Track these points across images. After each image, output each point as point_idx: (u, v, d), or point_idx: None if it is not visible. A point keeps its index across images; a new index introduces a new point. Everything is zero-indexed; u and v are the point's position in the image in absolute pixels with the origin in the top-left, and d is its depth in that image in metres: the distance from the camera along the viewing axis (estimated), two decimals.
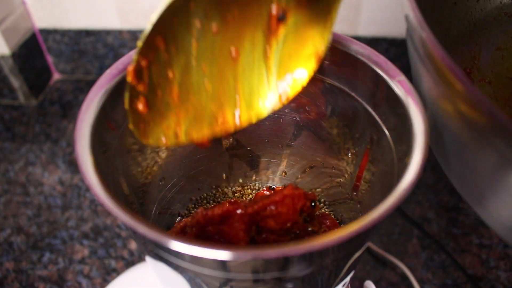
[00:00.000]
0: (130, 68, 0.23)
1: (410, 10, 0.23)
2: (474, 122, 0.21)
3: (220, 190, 0.38)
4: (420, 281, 0.46)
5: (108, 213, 0.53)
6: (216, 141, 0.36)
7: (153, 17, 0.22)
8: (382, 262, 0.47)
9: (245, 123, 0.28)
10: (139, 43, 0.23)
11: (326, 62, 0.30)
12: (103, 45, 0.69)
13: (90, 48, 0.70)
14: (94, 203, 0.54)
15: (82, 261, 0.48)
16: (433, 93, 0.24)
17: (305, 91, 0.32)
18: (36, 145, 0.62)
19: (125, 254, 0.49)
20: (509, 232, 0.23)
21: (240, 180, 0.38)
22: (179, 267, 0.23)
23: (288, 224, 0.28)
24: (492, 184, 0.22)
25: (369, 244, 0.48)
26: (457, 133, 0.23)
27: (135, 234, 0.24)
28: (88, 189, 0.55)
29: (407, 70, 0.67)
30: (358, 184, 0.32)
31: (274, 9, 0.25)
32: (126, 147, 0.29)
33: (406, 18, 0.24)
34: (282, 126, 0.35)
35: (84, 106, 0.25)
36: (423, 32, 0.21)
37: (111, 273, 0.47)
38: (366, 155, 0.31)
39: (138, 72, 0.23)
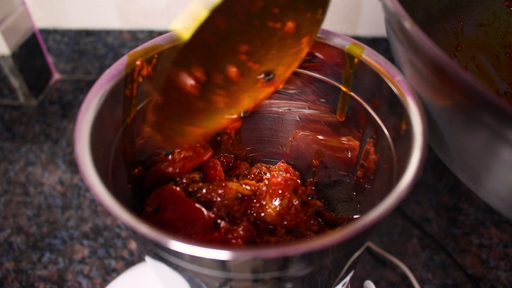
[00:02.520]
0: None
1: None
2: (461, 101, 0.21)
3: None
4: (420, 281, 0.46)
5: (108, 213, 0.53)
6: (215, 138, 0.36)
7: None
8: (382, 262, 0.47)
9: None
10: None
11: (326, 62, 0.30)
12: (103, 45, 0.69)
13: (90, 48, 0.70)
14: (94, 203, 0.54)
15: (82, 261, 0.48)
16: (419, 81, 0.24)
17: (305, 92, 0.32)
18: (36, 145, 0.62)
19: (125, 254, 0.49)
20: (504, 205, 0.23)
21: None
22: (178, 267, 0.23)
23: (286, 201, 0.28)
24: (484, 160, 0.22)
25: (369, 244, 0.48)
26: (446, 114, 0.23)
27: (135, 234, 0.24)
28: (88, 189, 0.56)
29: None
30: (358, 183, 0.32)
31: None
32: (126, 147, 0.29)
33: (384, 6, 0.24)
34: (282, 126, 0.35)
35: (84, 106, 0.25)
36: (403, 18, 0.22)
37: (111, 273, 0.47)
38: (366, 155, 0.31)
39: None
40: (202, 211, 0.28)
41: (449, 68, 0.20)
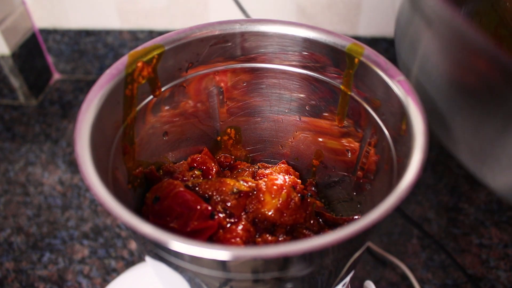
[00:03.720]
0: None
1: None
2: (486, 73, 0.20)
3: None
4: (420, 281, 0.46)
5: (108, 213, 0.53)
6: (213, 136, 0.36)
7: None
8: (382, 262, 0.47)
9: None
10: None
11: (326, 62, 0.30)
12: (103, 45, 0.69)
13: (90, 48, 0.70)
14: (94, 203, 0.54)
15: (82, 261, 0.48)
16: (435, 54, 0.24)
17: (305, 92, 0.33)
18: (36, 145, 0.62)
19: (125, 254, 0.49)
20: None
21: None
22: (178, 267, 0.23)
23: (284, 195, 0.29)
24: (501, 142, 0.22)
25: (369, 244, 0.48)
26: (466, 90, 0.23)
27: (135, 234, 0.24)
28: (88, 189, 0.56)
29: None
30: (358, 183, 0.32)
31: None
32: (126, 147, 0.29)
33: None
34: (282, 126, 0.35)
35: (84, 106, 0.25)
36: None
37: (111, 273, 0.47)
38: (366, 154, 0.31)
39: None
40: (199, 200, 0.28)
41: (477, 40, 0.19)
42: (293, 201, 0.29)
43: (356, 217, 0.31)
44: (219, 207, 0.29)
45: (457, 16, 0.21)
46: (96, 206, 0.54)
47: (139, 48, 0.28)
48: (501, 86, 0.20)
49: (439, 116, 0.25)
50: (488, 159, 0.24)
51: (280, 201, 0.29)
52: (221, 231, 0.28)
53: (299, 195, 0.30)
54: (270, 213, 0.29)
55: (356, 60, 0.28)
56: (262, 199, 0.29)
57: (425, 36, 0.25)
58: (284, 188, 0.30)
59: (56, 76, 0.74)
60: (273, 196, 0.29)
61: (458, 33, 0.21)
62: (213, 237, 0.28)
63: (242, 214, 0.29)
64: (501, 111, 0.21)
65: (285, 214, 0.29)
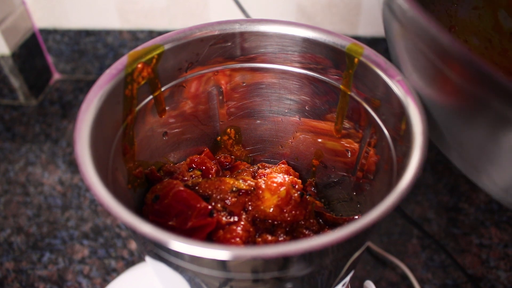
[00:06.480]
0: None
1: None
2: (464, 83, 0.20)
3: None
4: (420, 281, 0.46)
5: (108, 213, 0.53)
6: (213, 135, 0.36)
7: None
8: (382, 262, 0.47)
9: None
10: None
11: (326, 62, 0.30)
12: (103, 45, 0.69)
13: (90, 48, 0.70)
14: (94, 203, 0.54)
15: (82, 261, 0.48)
16: (420, 63, 0.24)
17: (305, 92, 0.33)
18: (36, 145, 0.62)
19: (125, 254, 0.49)
20: (507, 195, 0.23)
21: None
22: (178, 267, 0.23)
23: (284, 192, 0.29)
24: (487, 147, 0.22)
25: (369, 244, 0.48)
26: (447, 99, 0.23)
27: (135, 234, 0.24)
28: (88, 189, 0.56)
29: None
30: (358, 183, 0.32)
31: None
32: (126, 147, 0.29)
33: None
34: (282, 126, 0.35)
35: (84, 106, 0.25)
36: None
37: (111, 273, 0.47)
38: (365, 154, 0.31)
39: None
40: (199, 198, 0.28)
41: (453, 48, 0.19)
42: (292, 197, 0.29)
43: (356, 217, 0.31)
44: (219, 205, 0.29)
45: (424, 17, 0.20)
46: (96, 206, 0.54)
47: (139, 48, 0.28)
48: (477, 90, 0.20)
49: (431, 121, 0.25)
50: (478, 164, 0.24)
51: (280, 198, 0.29)
52: (221, 231, 0.28)
53: (298, 192, 0.30)
54: (270, 210, 0.29)
55: (356, 60, 0.28)
56: (262, 196, 0.29)
57: (400, 39, 0.24)
58: (284, 185, 0.30)
59: (56, 76, 0.74)
60: (272, 193, 0.29)
61: (426, 34, 0.21)
62: (213, 237, 0.28)
63: (242, 214, 0.29)
64: (484, 121, 0.21)
65: (285, 211, 0.29)
